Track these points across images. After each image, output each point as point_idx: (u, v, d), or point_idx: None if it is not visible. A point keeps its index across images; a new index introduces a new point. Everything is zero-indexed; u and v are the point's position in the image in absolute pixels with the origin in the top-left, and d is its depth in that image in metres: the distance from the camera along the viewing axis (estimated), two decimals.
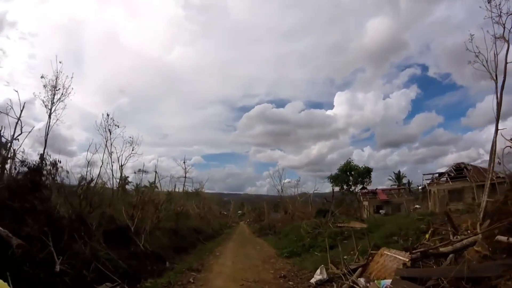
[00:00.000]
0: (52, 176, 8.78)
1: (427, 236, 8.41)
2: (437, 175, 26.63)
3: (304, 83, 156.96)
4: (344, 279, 6.97)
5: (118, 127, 15.44)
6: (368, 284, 5.99)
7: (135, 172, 19.48)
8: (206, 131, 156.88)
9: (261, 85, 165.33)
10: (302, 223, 18.06)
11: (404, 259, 6.10)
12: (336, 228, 15.17)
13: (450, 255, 5.86)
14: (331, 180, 36.53)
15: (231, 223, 54.93)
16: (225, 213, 64.17)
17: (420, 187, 30.62)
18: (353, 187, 35.96)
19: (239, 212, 75.33)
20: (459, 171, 25.51)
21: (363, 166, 36.90)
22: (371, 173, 36.04)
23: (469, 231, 7.53)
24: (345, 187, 35.92)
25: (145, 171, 19.91)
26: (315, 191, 33.63)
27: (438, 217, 11.01)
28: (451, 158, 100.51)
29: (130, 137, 16.26)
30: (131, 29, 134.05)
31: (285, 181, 34.99)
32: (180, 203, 23.67)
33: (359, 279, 6.51)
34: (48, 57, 13.71)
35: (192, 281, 8.08)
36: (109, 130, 15.22)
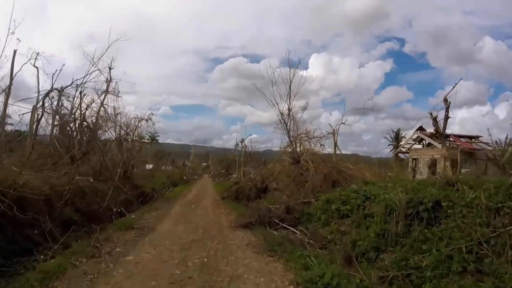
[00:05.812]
0: None
1: None
2: None
3: (281, 41, 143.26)
4: None
5: None
6: None
7: None
8: (176, 81, 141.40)
9: (237, 39, 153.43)
10: None
11: None
12: None
13: None
14: None
15: (192, 176, 45.02)
16: (188, 164, 55.08)
17: None
18: None
19: (203, 164, 66.11)
20: None
21: None
22: None
23: None
24: None
25: None
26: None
27: None
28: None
29: None
30: None
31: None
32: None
33: None
34: None
35: None
36: None
